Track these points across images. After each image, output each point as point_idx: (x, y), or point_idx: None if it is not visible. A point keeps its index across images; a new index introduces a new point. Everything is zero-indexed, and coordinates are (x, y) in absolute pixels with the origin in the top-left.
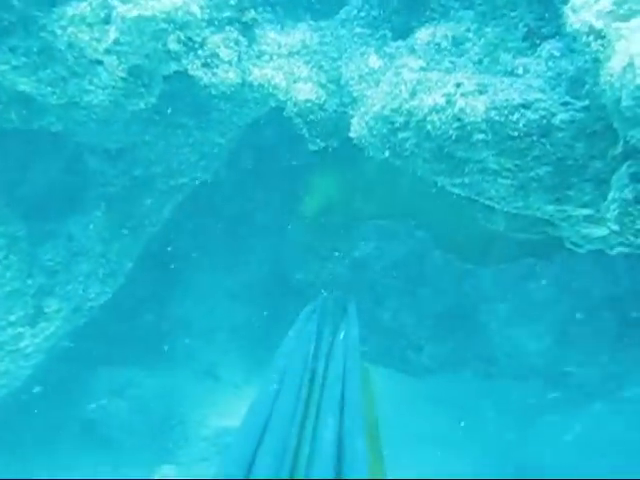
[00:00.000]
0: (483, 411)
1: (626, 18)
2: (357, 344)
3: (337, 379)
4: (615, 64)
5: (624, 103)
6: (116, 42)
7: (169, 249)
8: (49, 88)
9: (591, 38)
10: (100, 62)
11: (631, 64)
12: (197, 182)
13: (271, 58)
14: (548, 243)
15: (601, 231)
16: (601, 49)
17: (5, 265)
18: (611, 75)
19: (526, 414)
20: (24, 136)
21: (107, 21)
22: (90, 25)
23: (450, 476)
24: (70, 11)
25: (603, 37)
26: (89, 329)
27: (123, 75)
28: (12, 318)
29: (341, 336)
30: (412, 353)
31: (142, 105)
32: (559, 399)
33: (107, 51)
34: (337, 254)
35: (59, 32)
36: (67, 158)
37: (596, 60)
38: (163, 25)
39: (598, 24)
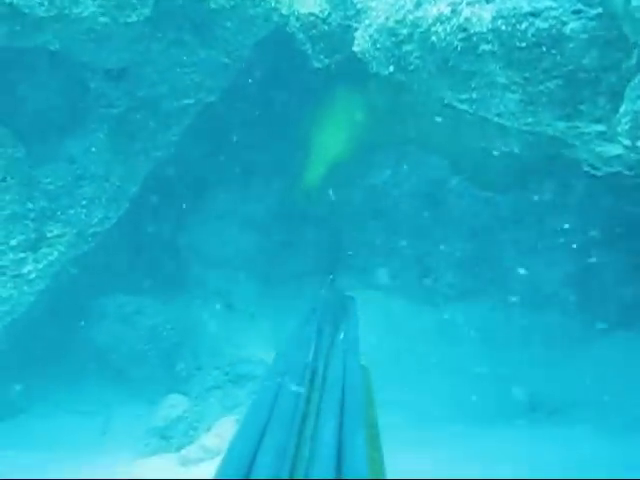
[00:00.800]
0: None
1: None
2: (357, 344)
3: (337, 379)
4: None
5: (634, 3)
6: None
7: (176, 173)
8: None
9: None
10: None
11: None
12: (203, 103)
13: None
14: (567, 167)
15: (615, 149)
16: None
17: (3, 187)
18: None
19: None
20: (22, 55)
21: None
22: None
23: None
24: None
25: None
26: (94, 257)
27: None
28: (13, 242)
29: (341, 336)
30: (430, 281)
31: (135, 17)
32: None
33: None
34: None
35: None
36: (67, 78)
37: None
38: None
39: None
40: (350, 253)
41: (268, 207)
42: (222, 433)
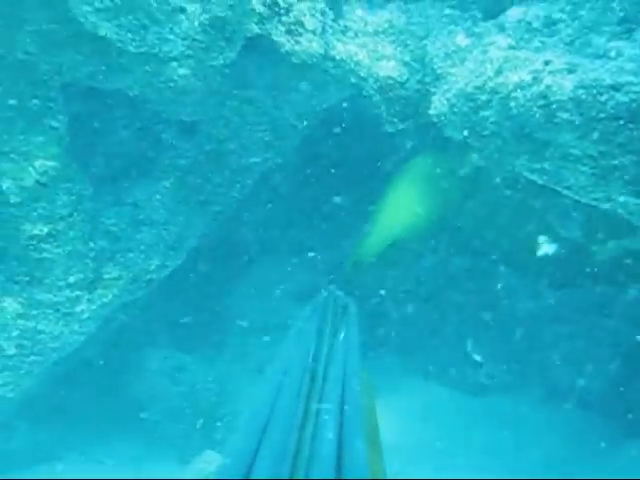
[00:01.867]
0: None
1: None
2: (357, 345)
3: (337, 380)
4: None
5: None
6: None
7: (234, 233)
8: (129, 35)
9: None
10: (183, 10)
11: None
12: (270, 163)
13: (356, 35)
14: (626, 268)
15: None
16: None
17: (69, 223)
18: None
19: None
20: (101, 97)
21: None
22: None
23: None
24: None
25: None
26: (145, 306)
27: (204, 26)
28: (71, 279)
29: (341, 336)
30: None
31: (221, 60)
32: None
33: None
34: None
35: None
36: (142, 125)
37: None
38: None
39: None
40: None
41: (316, 279)
42: None
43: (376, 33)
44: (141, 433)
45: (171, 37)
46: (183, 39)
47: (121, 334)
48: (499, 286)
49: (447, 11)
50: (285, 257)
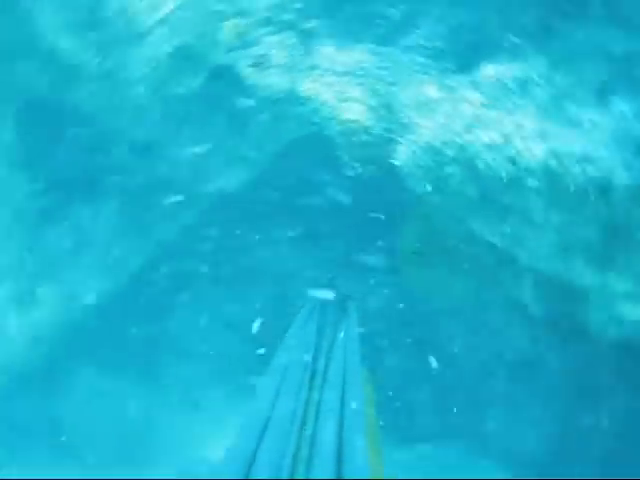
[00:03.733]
0: None
1: None
2: (357, 344)
3: (337, 379)
4: None
5: None
6: (171, 14)
7: (176, 260)
8: (92, 52)
9: None
10: (150, 32)
11: None
12: (221, 193)
13: (324, 73)
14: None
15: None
16: None
17: (7, 235)
18: None
19: None
20: (54, 110)
21: None
22: None
23: None
24: None
25: None
26: (80, 328)
27: (171, 50)
28: (1, 293)
29: (341, 336)
30: None
31: (185, 86)
32: None
33: (160, 22)
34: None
35: None
36: (93, 142)
37: None
38: (220, 6)
39: None
40: None
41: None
42: None
43: (345, 73)
44: (61, 456)
45: (135, 59)
46: (147, 62)
47: (50, 354)
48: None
49: (420, 59)
50: (223, 286)
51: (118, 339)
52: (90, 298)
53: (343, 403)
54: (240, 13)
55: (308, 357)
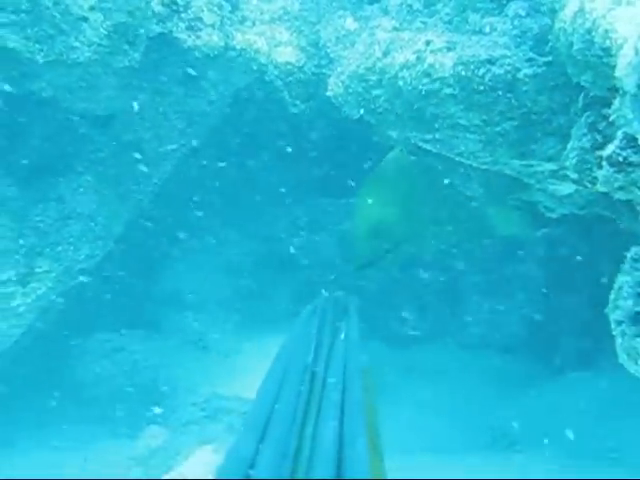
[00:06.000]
0: None
1: None
2: (358, 344)
3: (338, 379)
4: (568, 11)
5: (575, 47)
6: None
7: (159, 218)
8: (37, 45)
9: None
10: (85, 19)
11: (582, 9)
12: (185, 149)
13: (253, 24)
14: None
15: (567, 188)
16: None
17: None
18: (564, 22)
19: None
20: (16, 101)
21: None
22: None
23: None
24: None
25: None
26: (80, 294)
27: (108, 32)
28: (3, 277)
29: (342, 336)
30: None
31: (126, 62)
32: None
33: (92, 8)
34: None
35: None
36: (59, 124)
37: (553, 11)
38: None
39: None
40: None
41: (245, 258)
42: (199, 462)
43: (272, 20)
44: (87, 414)
45: (77, 44)
46: (89, 46)
47: (61, 322)
48: None
49: None
50: (211, 235)
51: (119, 299)
52: (86, 265)
53: (344, 404)
54: None
55: (309, 357)
